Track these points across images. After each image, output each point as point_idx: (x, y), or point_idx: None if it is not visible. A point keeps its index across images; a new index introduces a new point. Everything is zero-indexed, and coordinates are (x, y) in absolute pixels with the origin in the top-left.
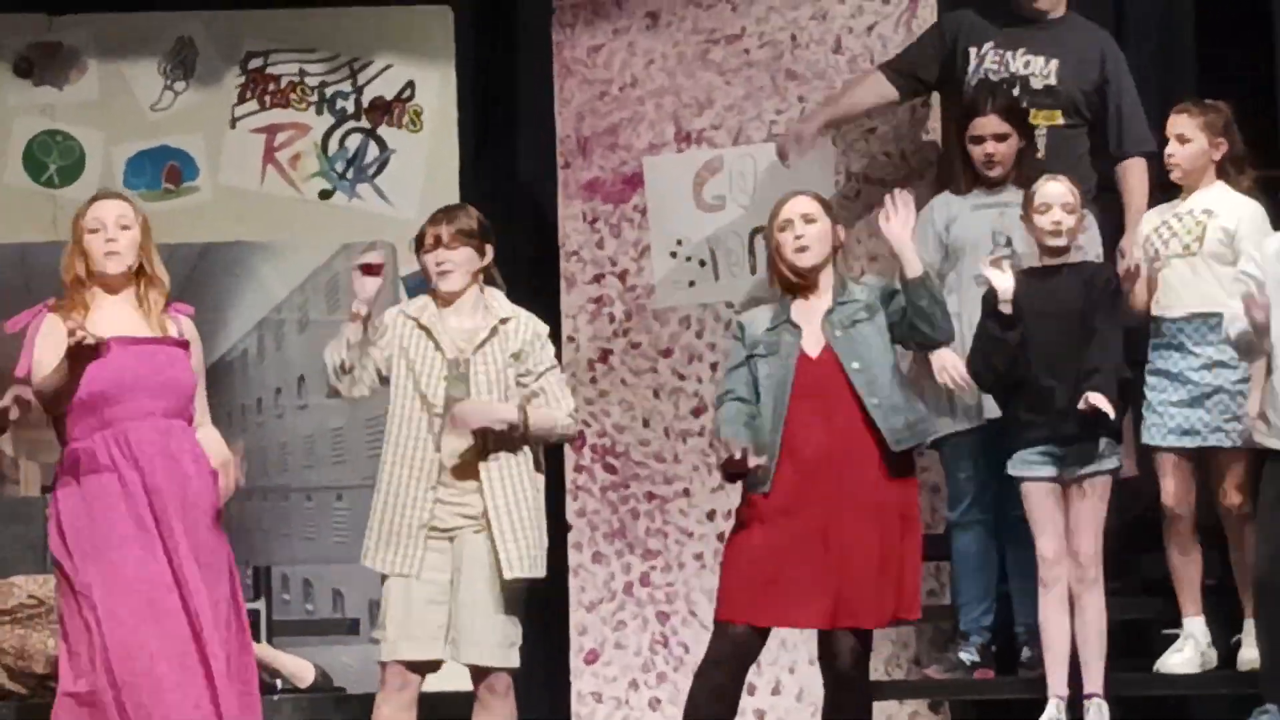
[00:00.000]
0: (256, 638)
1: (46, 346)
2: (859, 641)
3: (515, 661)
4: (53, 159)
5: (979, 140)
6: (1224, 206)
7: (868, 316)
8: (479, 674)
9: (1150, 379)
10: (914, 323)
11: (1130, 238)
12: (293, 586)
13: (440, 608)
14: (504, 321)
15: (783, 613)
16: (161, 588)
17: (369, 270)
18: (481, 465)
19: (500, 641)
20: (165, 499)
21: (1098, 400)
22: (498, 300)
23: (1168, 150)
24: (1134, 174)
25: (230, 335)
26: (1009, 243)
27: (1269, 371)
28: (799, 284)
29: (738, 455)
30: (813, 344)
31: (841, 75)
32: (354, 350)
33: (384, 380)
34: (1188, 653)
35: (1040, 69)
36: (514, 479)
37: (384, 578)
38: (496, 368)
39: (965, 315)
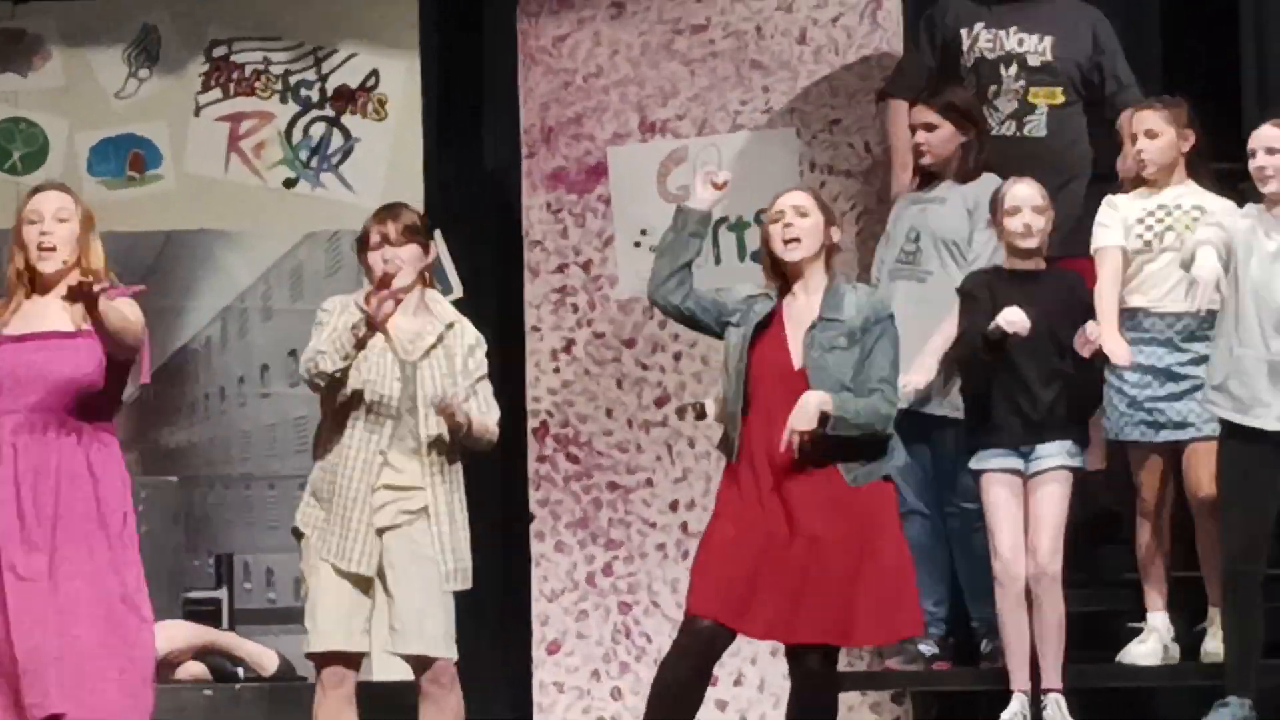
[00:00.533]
0: (219, 626)
1: None
2: (824, 649)
3: (455, 653)
4: (16, 146)
5: (912, 130)
6: (1212, 205)
7: (846, 345)
8: (422, 665)
9: (1128, 375)
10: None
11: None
12: (255, 575)
13: (368, 600)
14: (449, 327)
15: (750, 619)
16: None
17: (393, 294)
18: (423, 466)
19: (444, 633)
20: (37, 499)
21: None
22: (439, 303)
23: (1138, 147)
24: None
25: (193, 323)
26: (916, 238)
27: (1237, 342)
28: (787, 279)
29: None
30: (796, 352)
31: (806, 66)
32: (347, 359)
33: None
34: (1151, 644)
35: (1035, 46)
36: (451, 486)
37: (303, 568)
38: (442, 372)
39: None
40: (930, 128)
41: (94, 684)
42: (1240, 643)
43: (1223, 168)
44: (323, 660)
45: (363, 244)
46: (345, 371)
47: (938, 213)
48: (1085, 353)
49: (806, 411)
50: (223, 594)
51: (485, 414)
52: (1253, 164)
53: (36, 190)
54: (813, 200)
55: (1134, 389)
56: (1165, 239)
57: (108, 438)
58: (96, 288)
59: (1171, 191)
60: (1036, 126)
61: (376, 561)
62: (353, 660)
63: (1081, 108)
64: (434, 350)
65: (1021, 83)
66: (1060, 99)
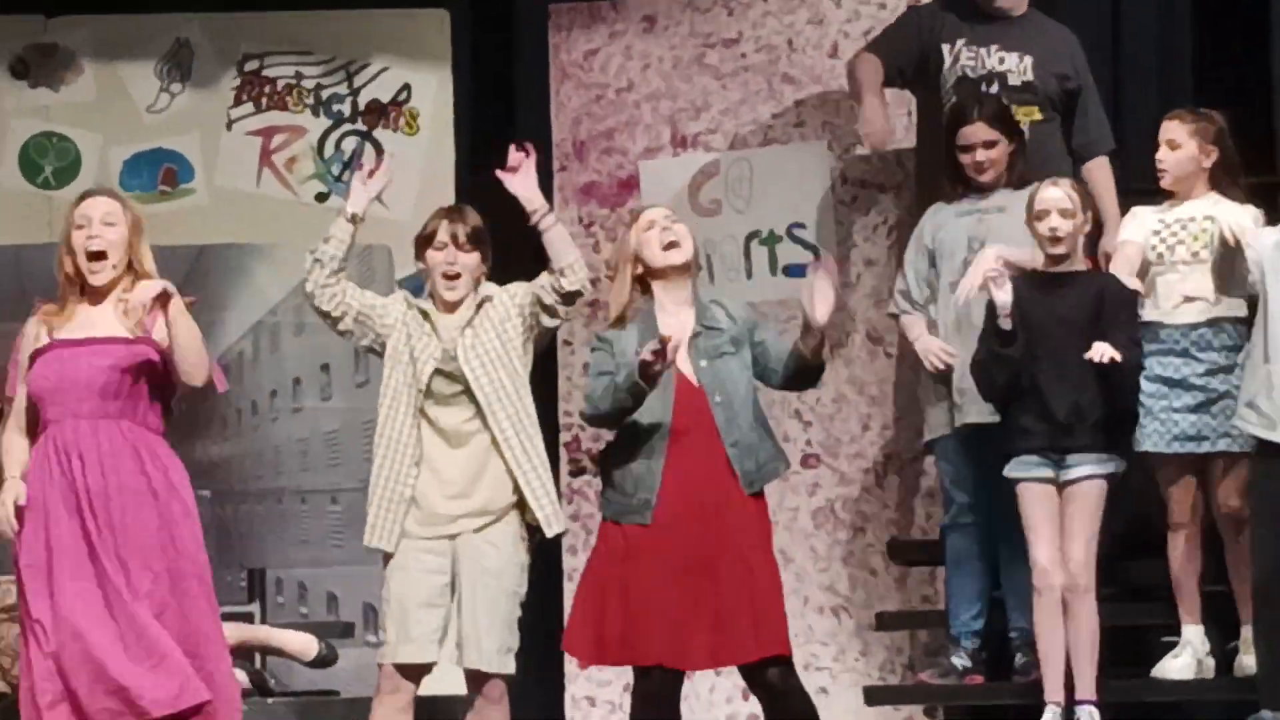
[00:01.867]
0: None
1: (24, 349)
2: (779, 668)
3: (512, 668)
4: (48, 161)
5: (968, 149)
6: (1226, 215)
7: (734, 350)
8: (477, 679)
9: (1148, 386)
10: (790, 371)
11: (1110, 239)
12: (287, 589)
13: (438, 610)
14: (484, 301)
15: (685, 654)
16: (90, 599)
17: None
18: (494, 428)
19: (500, 647)
20: (95, 501)
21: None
22: (482, 289)
23: (1158, 155)
24: (1102, 173)
25: (226, 337)
26: (982, 247)
27: (1265, 359)
28: (654, 297)
29: (655, 348)
30: (688, 370)
31: (838, 79)
32: (341, 246)
33: (339, 326)
34: (1185, 659)
35: (1016, 65)
36: (527, 437)
37: (385, 581)
38: (489, 334)
39: (942, 319)
40: (991, 144)
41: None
42: (1272, 658)
43: (1253, 181)
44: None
45: (426, 241)
46: (336, 250)
47: (1000, 221)
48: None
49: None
50: (255, 608)
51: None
52: None
53: (85, 196)
54: (671, 211)
55: (1150, 399)
56: (1177, 251)
57: (161, 441)
58: (184, 299)
59: (1189, 205)
60: None
61: (395, 540)
62: (412, 669)
63: (1058, 125)
64: (470, 324)
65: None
66: (1039, 116)
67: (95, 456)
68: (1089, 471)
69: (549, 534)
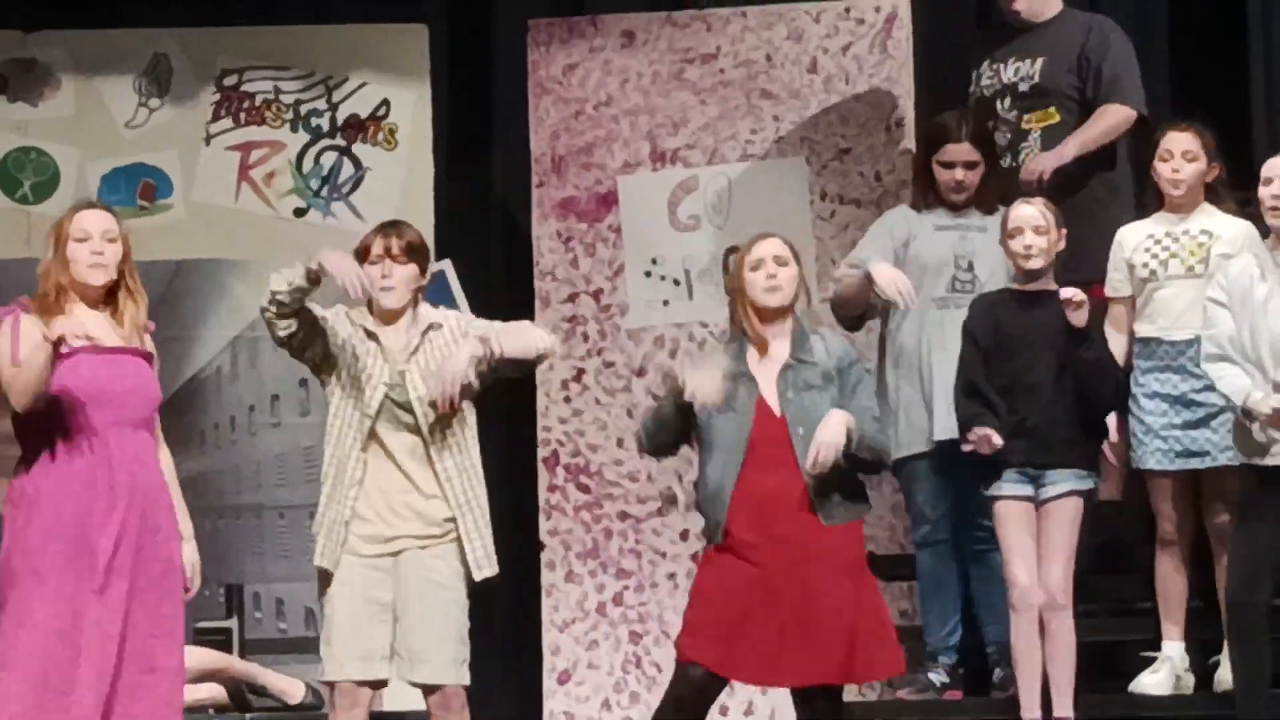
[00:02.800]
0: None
1: (30, 336)
2: (827, 689)
3: (467, 679)
4: (27, 176)
5: (949, 166)
6: (1221, 228)
7: (821, 385)
8: (432, 693)
9: (1145, 403)
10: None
11: (1052, 156)
12: (265, 604)
13: (385, 627)
14: (429, 329)
15: (742, 667)
16: (104, 625)
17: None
18: (437, 463)
19: (454, 659)
20: (131, 505)
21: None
22: (425, 311)
23: (1173, 166)
24: (1109, 112)
25: (204, 353)
26: (970, 267)
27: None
28: (755, 326)
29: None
30: (772, 399)
31: (816, 95)
32: (295, 292)
33: (315, 363)
34: (1163, 674)
35: (1026, 72)
36: (470, 475)
37: (321, 595)
38: (431, 371)
39: (925, 337)
40: (972, 165)
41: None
42: (1247, 673)
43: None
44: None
45: (362, 256)
46: (292, 300)
47: (984, 241)
48: (1075, 320)
49: (832, 426)
50: (233, 624)
51: (517, 331)
52: (1266, 191)
53: (76, 209)
54: (789, 250)
55: (1151, 417)
56: (1171, 266)
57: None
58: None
59: (1187, 219)
60: (1031, 151)
61: (335, 561)
62: (365, 685)
63: (1081, 123)
64: (418, 353)
65: (1014, 112)
66: (1056, 118)
67: (137, 467)
68: (1067, 488)
69: (476, 577)
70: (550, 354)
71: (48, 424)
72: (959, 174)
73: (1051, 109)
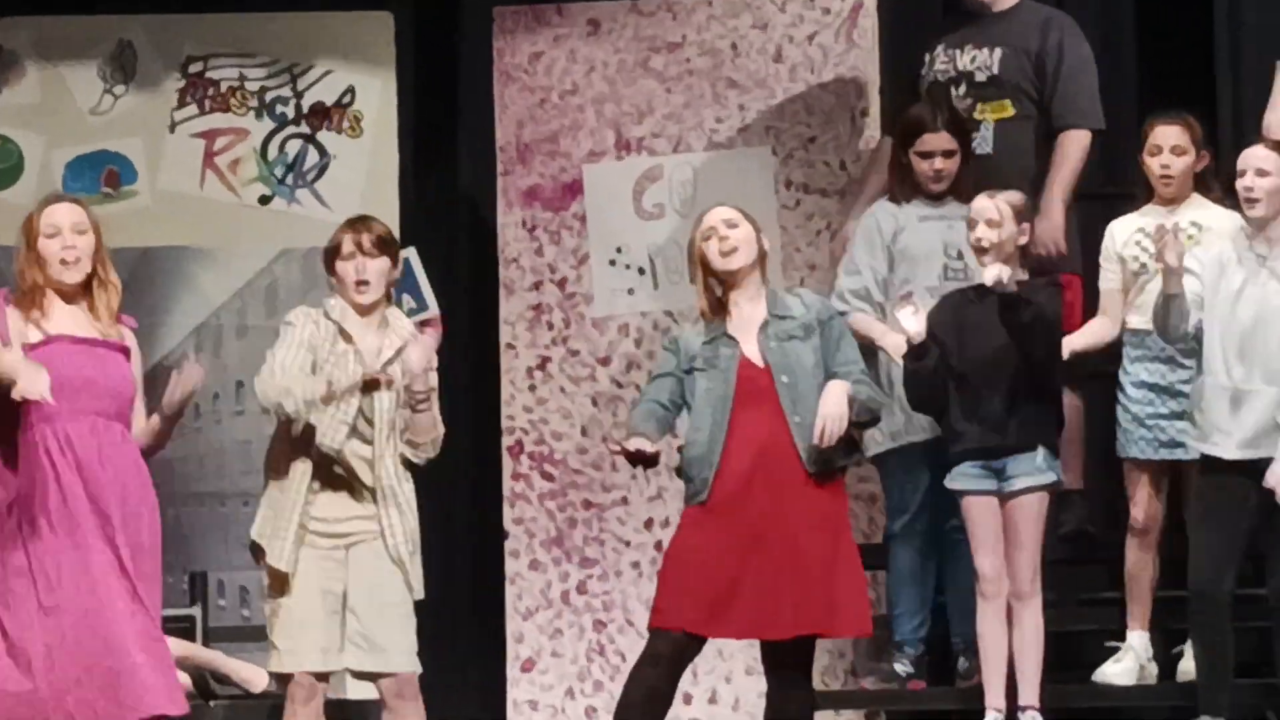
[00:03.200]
0: (193, 643)
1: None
2: (801, 647)
3: (417, 666)
4: None
5: (928, 155)
6: (1211, 220)
7: (803, 336)
8: (389, 681)
9: (1133, 392)
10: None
11: (1051, 214)
12: (229, 592)
13: (338, 618)
14: (405, 344)
15: (727, 624)
16: (111, 575)
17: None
18: (381, 475)
19: (407, 646)
20: (104, 497)
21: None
22: (399, 320)
23: (1162, 161)
24: (1070, 143)
25: (168, 340)
26: (959, 255)
27: (1201, 371)
28: (726, 297)
29: (631, 448)
30: (754, 353)
31: (782, 84)
32: (313, 407)
33: None
34: (1126, 664)
35: (985, 61)
36: (406, 498)
37: (269, 586)
38: (398, 384)
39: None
40: (950, 154)
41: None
42: (1208, 663)
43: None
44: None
45: (334, 254)
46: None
47: (963, 229)
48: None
49: (833, 398)
50: (197, 611)
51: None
52: (1240, 183)
53: (46, 203)
54: (738, 212)
55: (1137, 406)
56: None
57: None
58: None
59: (1176, 211)
60: (982, 143)
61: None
62: (319, 676)
63: (1036, 119)
64: (392, 364)
65: (969, 100)
66: (1010, 111)
67: (99, 455)
68: (1029, 484)
69: (416, 598)
70: (431, 452)
71: (13, 409)
72: (938, 163)
73: (1007, 102)
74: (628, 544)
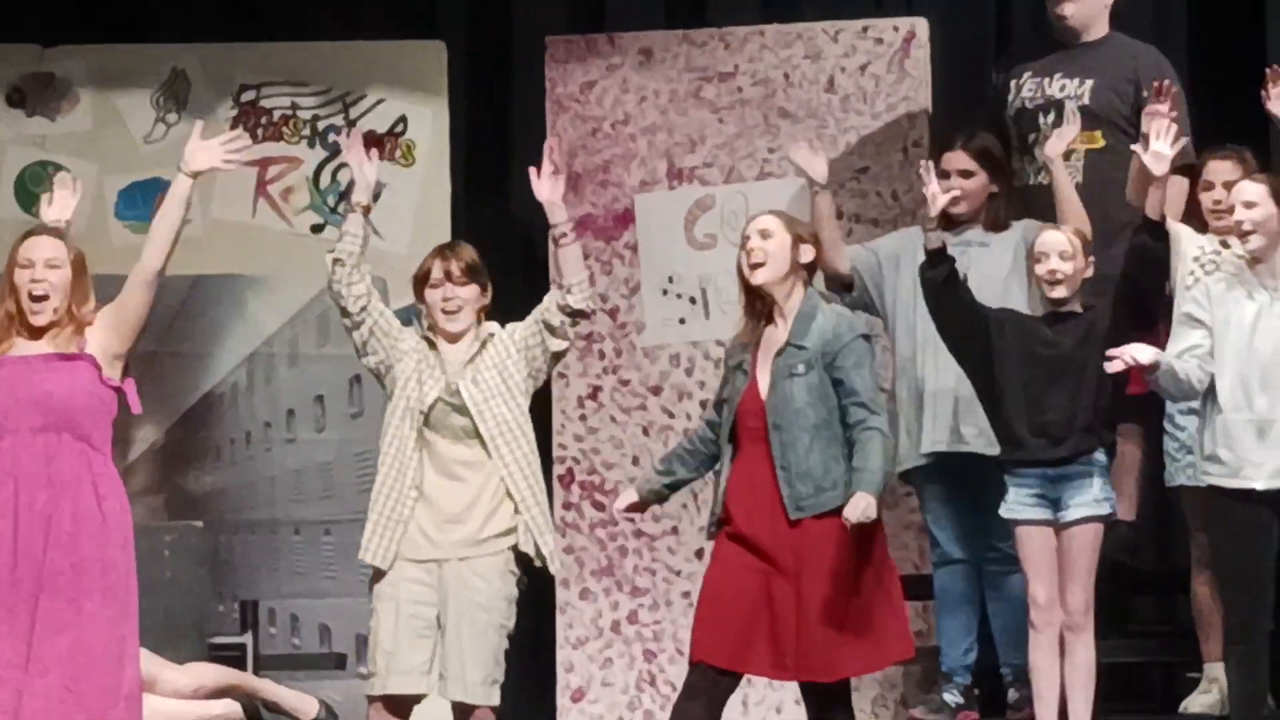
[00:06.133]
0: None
1: None
2: (838, 683)
3: (497, 699)
4: (44, 190)
5: (945, 175)
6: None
7: (804, 371)
8: (463, 711)
9: (1181, 420)
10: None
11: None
12: (280, 621)
13: (427, 641)
14: (489, 338)
15: (752, 661)
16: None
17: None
18: (499, 462)
19: (485, 679)
20: (37, 518)
21: None
22: (485, 327)
23: (1214, 197)
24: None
25: (220, 368)
26: (965, 279)
27: (1219, 410)
28: (762, 307)
29: (619, 507)
30: (764, 386)
31: (834, 114)
32: (356, 240)
33: (355, 319)
34: (1214, 695)
35: (1075, 90)
36: (531, 469)
37: (371, 601)
38: (490, 371)
39: (919, 351)
40: (966, 174)
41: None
42: (1246, 696)
43: None
44: (384, 702)
45: (422, 281)
46: (346, 265)
47: (981, 255)
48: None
49: (860, 507)
50: (247, 639)
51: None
52: (1205, 196)
53: (29, 234)
54: (779, 221)
55: (1186, 434)
56: None
57: (107, 463)
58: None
59: (1237, 244)
60: (1073, 173)
61: (391, 558)
62: (402, 701)
63: (1126, 151)
64: (475, 359)
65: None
66: (1101, 142)
67: (45, 476)
68: (1085, 514)
69: (552, 570)
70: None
71: None
72: (955, 181)
73: (1098, 133)
74: (678, 574)
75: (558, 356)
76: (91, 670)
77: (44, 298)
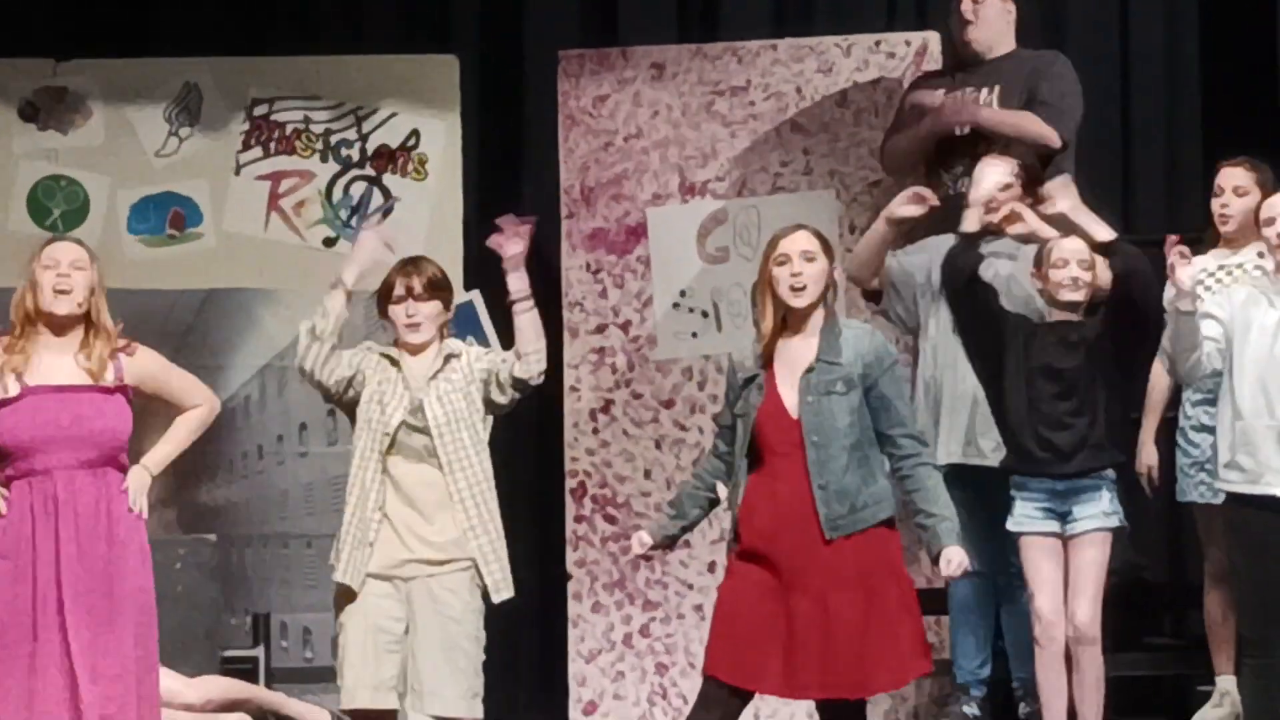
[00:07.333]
0: (255, 684)
1: None
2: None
3: (479, 712)
4: (57, 204)
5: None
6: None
7: (843, 390)
8: None
9: (1194, 435)
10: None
11: (972, 106)
12: (291, 634)
13: (395, 656)
14: (450, 358)
15: (763, 679)
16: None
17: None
18: (452, 487)
19: (465, 692)
20: (75, 555)
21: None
22: (447, 342)
23: (1221, 201)
24: (1025, 116)
25: (232, 381)
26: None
27: (1238, 416)
28: (783, 324)
29: (635, 551)
30: (791, 402)
31: (846, 128)
32: (331, 320)
33: (341, 398)
34: (1226, 709)
35: (984, 99)
36: (482, 497)
37: (336, 618)
38: (455, 393)
39: (938, 360)
40: (1007, 187)
41: None
42: (1258, 716)
43: None
44: (355, 717)
45: (384, 297)
46: (322, 341)
47: (1008, 265)
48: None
49: (957, 564)
50: (259, 652)
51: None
52: (1269, 231)
53: (50, 241)
54: (819, 242)
55: (1198, 450)
56: None
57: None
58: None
59: (1240, 253)
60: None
61: (359, 578)
62: (378, 716)
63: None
64: (437, 377)
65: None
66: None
67: (72, 510)
68: (1093, 526)
69: (495, 599)
70: (536, 372)
71: None
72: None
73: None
74: (690, 587)
75: (499, 407)
76: (119, 683)
77: (67, 291)
